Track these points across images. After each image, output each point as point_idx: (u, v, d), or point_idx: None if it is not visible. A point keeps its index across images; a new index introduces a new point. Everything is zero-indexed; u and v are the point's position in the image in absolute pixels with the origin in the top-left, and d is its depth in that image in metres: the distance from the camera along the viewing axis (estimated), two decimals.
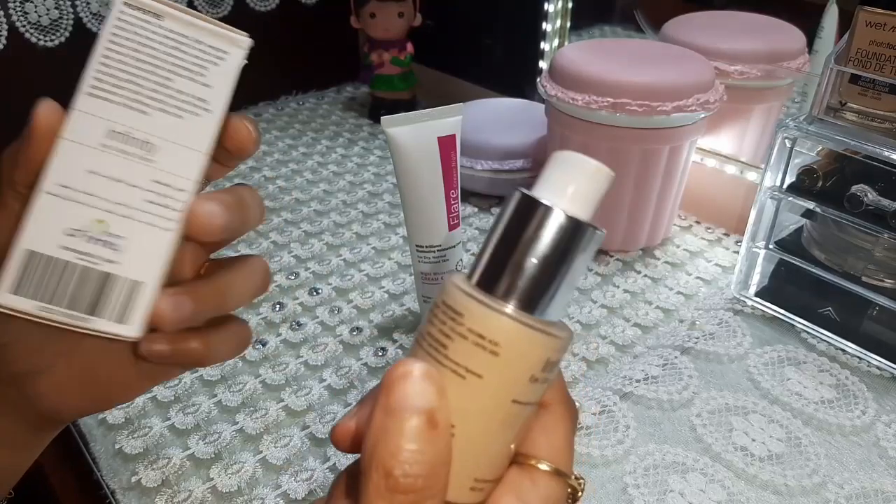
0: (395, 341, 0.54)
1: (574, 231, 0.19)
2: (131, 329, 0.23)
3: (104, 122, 0.23)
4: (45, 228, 0.22)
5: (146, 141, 0.23)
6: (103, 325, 0.23)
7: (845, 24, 0.50)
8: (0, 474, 0.29)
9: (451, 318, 0.19)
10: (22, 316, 0.22)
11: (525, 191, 0.20)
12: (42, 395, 0.26)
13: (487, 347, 0.18)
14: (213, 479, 0.42)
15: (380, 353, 0.53)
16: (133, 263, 0.23)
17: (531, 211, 0.19)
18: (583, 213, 0.19)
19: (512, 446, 0.20)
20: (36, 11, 0.80)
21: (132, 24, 0.23)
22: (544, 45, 0.81)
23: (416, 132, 0.47)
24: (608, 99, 0.57)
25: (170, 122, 0.23)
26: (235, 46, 0.24)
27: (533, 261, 0.19)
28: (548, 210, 0.19)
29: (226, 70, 0.24)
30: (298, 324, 0.56)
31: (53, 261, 0.22)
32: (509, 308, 0.19)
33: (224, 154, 0.26)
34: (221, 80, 0.24)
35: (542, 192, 0.20)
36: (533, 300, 0.19)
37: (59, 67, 0.83)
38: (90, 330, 0.23)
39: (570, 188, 0.20)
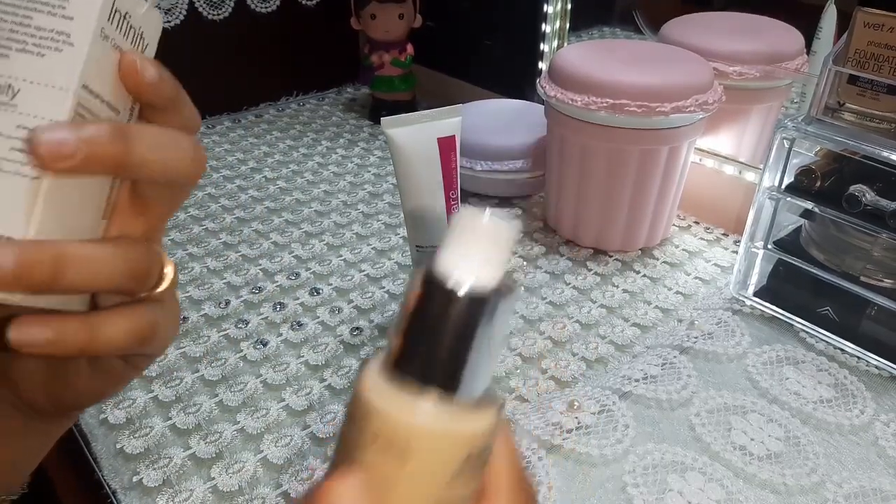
0: None
1: (483, 304, 0.18)
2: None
3: None
4: None
5: (8, 85, 0.21)
6: None
7: (844, 24, 0.51)
8: (2, 467, 0.29)
9: (361, 418, 0.18)
10: None
11: (428, 268, 0.18)
12: (18, 387, 0.26)
13: (397, 453, 0.17)
14: (214, 478, 0.43)
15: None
16: (1, 218, 0.21)
17: (436, 291, 0.18)
18: (491, 279, 0.18)
19: None
20: None
21: None
22: (544, 47, 0.81)
23: (415, 133, 0.48)
24: (607, 100, 0.57)
25: (30, 61, 0.21)
26: None
27: (445, 345, 0.18)
28: (451, 292, 0.17)
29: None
30: (299, 324, 0.56)
31: None
32: (421, 404, 0.18)
33: (147, 108, 0.24)
34: (84, 10, 0.21)
35: (446, 265, 0.18)
36: (451, 384, 0.18)
37: None
38: None
39: (473, 256, 0.18)
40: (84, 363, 0.26)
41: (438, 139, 0.48)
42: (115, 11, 0.22)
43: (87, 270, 0.22)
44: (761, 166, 0.54)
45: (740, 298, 0.58)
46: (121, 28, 0.23)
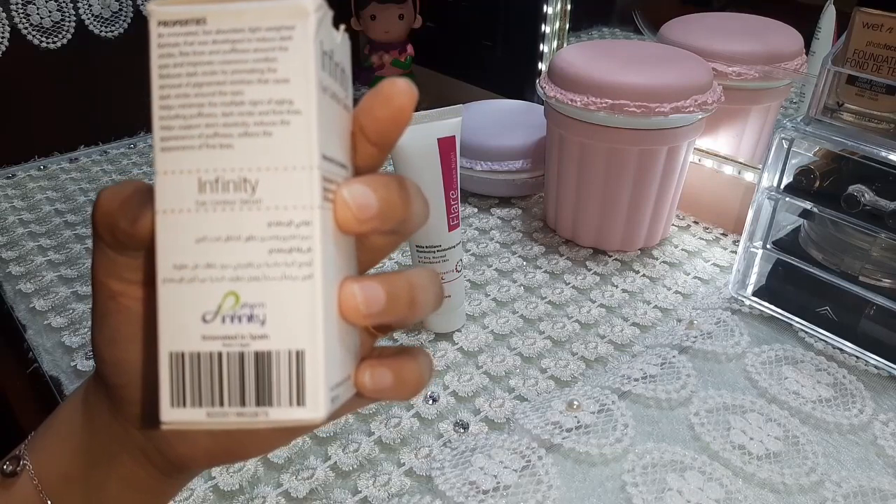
0: (395, 340, 0.55)
1: None
2: (313, 410, 0.18)
3: (190, 175, 0.18)
4: (178, 322, 0.19)
5: (243, 179, 0.18)
6: (280, 413, 0.19)
7: (843, 25, 0.51)
8: None
9: None
10: (195, 428, 0.19)
11: None
12: (169, 441, 0.24)
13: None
14: (214, 477, 0.43)
15: None
16: (283, 331, 0.18)
17: None
18: None
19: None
20: (38, 13, 0.80)
21: (176, 45, 0.18)
22: (543, 47, 0.81)
23: (416, 133, 0.48)
24: (606, 100, 0.57)
25: (258, 145, 0.18)
26: (298, 15, 0.18)
27: None
28: None
29: (298, 51, 0.18)
30: None
31: (199, 357, 0.19)
32: None
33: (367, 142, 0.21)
34: (298, 67, 0.18)
35: None
36: None
37: (61, 69, 0.84)
38: (269, 424, 0.19)
39: None
40: None
41: (438, 139, 0.48)
42: (324, 55, 0.19)
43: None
44: (760, 166, 0.54)
45: (739, 298, 0.58)
46: (330, 71, 0.20)
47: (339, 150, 0.20)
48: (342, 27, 0.21)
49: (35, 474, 0.25)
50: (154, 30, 0.19)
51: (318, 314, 0.18)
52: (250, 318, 0.18)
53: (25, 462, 0.26)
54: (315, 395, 0.18)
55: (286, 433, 0.26)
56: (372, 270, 0.24)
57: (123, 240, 0.21)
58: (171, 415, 0.19)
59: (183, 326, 0.18)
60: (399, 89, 0.20)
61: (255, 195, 0.18)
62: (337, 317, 0.19)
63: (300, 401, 0.18)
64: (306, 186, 0.18)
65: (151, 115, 0.19)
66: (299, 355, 0.18)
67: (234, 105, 0.18)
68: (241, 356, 0.18)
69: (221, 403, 0.19)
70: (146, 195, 0.20)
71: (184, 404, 0.19)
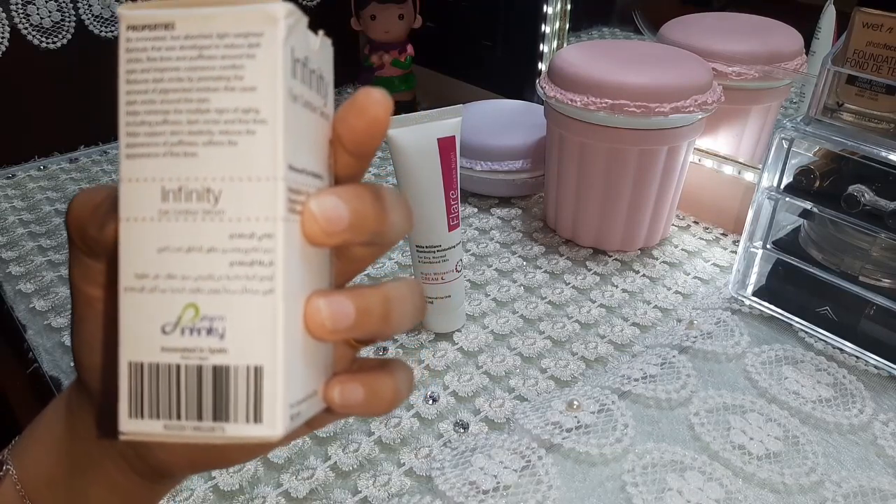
0: (395, 340, 0.55)
1: None
2: (270, 427, 0.18)
3: (154, 183, 0.18)
4: (138, 332, 0.18)
5: (206, 189, 0.18)
6: (236, 430, 0.18)
7: (843, 25, 0.51)
8: None
9: None
10: (152, 440, 0.19)
11: None
12: (149, 447, 0.24)
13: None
14: (214, 477, 0.43)
15: (381, 353, 0.53)
16: (242, 346, 0.18)
17: None
18: None
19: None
20: (38, 13, 0.80)
21: (144, 50, 0.18)
22: (543, 47, 0.81)
23: (416, 133, 0.48)
24: (606, 100, 0.57)
25: (222, 154, 0.18)
26: (267, 22, 0.18)
27: None
28: None
29: (266, 59, 0.18)
30: None
31: (158, 368, 0.18)
32: None
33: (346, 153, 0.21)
34: (265, 75, 0.18)
35: None
36: None
37: (61, 69, 0.84)
38: (225, 439, 0.18)
39: None
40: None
41: (438, 139, 0.48)
42: (296, 62, 0.18)
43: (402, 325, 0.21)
44: (760, 166, 0.54)
45: (739, 298, 0.58)
46: (303, 79, 0.19)
47: (313, 160, 0.20)
48: (321, 33, 0.20)
49: (18, 479, 0.25)
50: (123, 34, 0.18)
51: (278, 330, 0.18)
52: (209, 332, 0.18)
53: (8, 467, 0.25)
54: (272, 413, 0.18)
55: (260, 445, 0.25)
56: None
57: (93, 246, 0.21)
58: (129, 426, 0.18)
59: (143, 336, 0.18)
60: (374, 99, 0.19)
61: (218, 206, 0.18)
62: (302, 332, 0.19)
63: (257, 417, 0.18)
64: (269, 198, 0.18)
65: (118, 120, 0.18)
66: (257, 371, 0.18)
67: (200, 113, 0.18)
68: (199, 370, 0.18)
69: (178, 416, 0.18)
70: (115, 201, 0.20)
71: (141, 415, 0.18)
